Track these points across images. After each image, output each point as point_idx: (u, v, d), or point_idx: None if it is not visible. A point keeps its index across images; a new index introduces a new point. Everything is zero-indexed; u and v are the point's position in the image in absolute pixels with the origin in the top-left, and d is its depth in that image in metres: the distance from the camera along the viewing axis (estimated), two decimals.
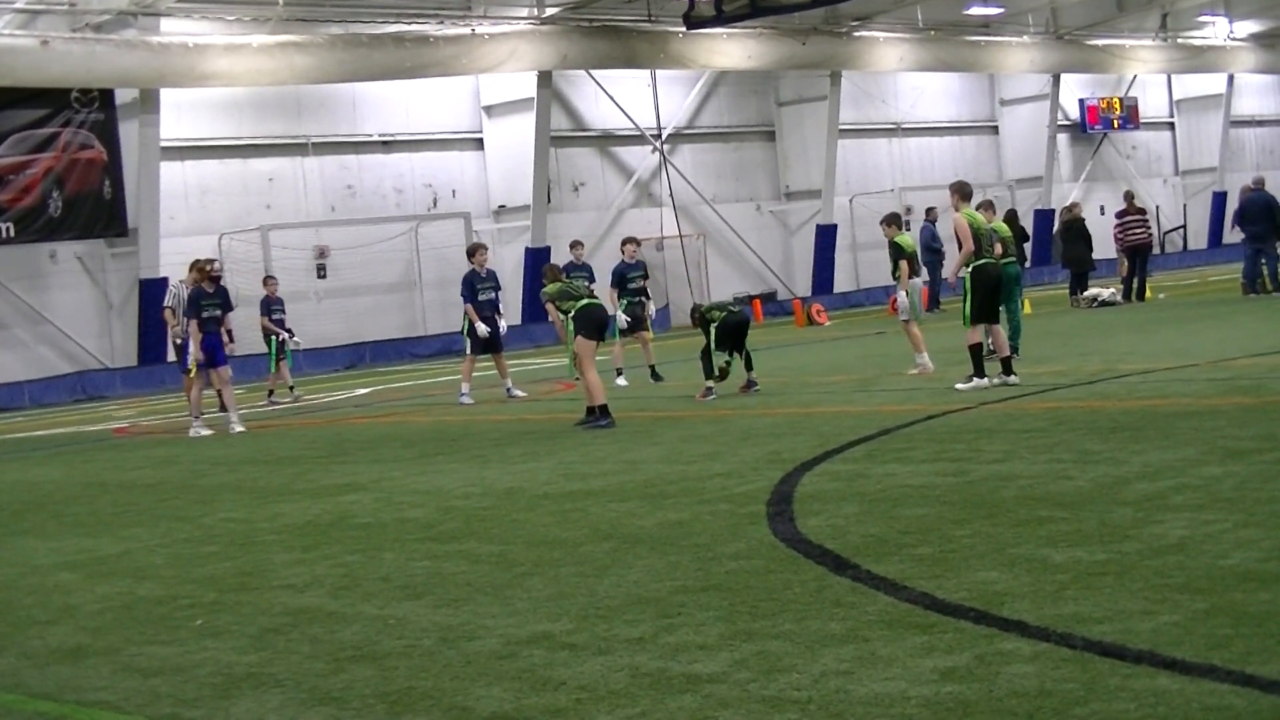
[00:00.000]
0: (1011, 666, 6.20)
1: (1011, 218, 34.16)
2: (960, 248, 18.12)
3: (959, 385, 17.69)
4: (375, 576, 9.65)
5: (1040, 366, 19.61)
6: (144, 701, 7.16)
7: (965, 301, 17.93)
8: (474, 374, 23.93)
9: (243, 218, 38.23)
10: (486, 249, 24.76)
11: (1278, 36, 60.18)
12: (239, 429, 21.88)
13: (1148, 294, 34.89)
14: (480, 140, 42.96)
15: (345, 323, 39.15)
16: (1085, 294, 34.82)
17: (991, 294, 18.02)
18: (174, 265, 35.20)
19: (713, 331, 19.95)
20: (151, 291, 35.43)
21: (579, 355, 18.40)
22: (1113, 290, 34.85)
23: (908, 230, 24.44)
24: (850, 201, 49.88)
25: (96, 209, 35.24)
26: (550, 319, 20.36)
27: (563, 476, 13.65)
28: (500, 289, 24.05)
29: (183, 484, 16.42)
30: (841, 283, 49.14)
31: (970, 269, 17.90)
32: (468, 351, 23.63)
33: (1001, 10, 49.48)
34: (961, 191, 18.54)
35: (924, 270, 25.44)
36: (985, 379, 17.61)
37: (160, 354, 35.81)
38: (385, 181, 41.33)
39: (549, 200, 42.48)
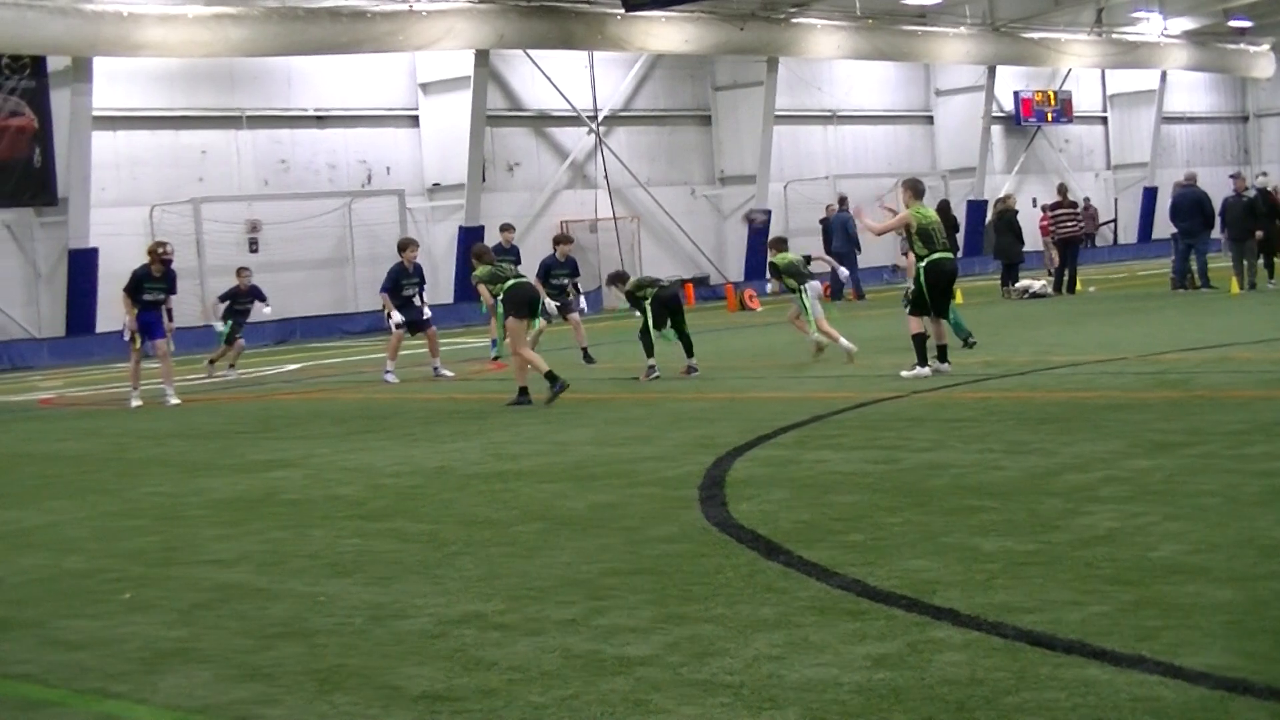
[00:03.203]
0: (943, 654, 6.23)
1: (944, 208, 34.34)
2: (907, 242, 18.21)
3: (904, 373, 17.69)
4: (304, 553, 9.60)
5: (971, 356, 19.70)
6: (69, 675, 7.09)
7: (916, 293, 17.90)
8: (402, 352, 23.78)
9: (174, 190, 37.90)
10: (418, 246, 24.51)
11: (1210, 34, 60.67)
12: (174, 401, 21.78)
13: (1078, 287, 35.13)
14: (415, 118, 42.75)
15: (276, 298, 38.56)
16: (1016, 285, 35.02)
17: (942, 290, 17.97)
18: (104, 235, 35.00)
19: (648, 309, 20.31)
20: (80, 262, 35.12)
21: (511, 335, 18.37)
22: (1043, 282, 35.08)
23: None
24: (784, 188, 49.95)
25: (26, 177, 34.88)
26: (484, 302, 20.33)
27: (492, 456, 13.62)
28: (424, 283, 23.98)
29: (109, 457, 16.29)
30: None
31: (924, 264, 17.79)
32: (394, 328, 23.43)
33: (939, 1, 49.65)
34: (914, 189, 18.36)
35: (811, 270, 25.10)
36: (928, 368, 17.65)
37: (89, 325, 35.52)
38: (319, 157, 41.06)
39: (483, 180, 42.34)
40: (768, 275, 22.99)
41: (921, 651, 6.30)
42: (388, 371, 23.11)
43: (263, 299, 27.10)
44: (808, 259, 22.56)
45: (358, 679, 6.62)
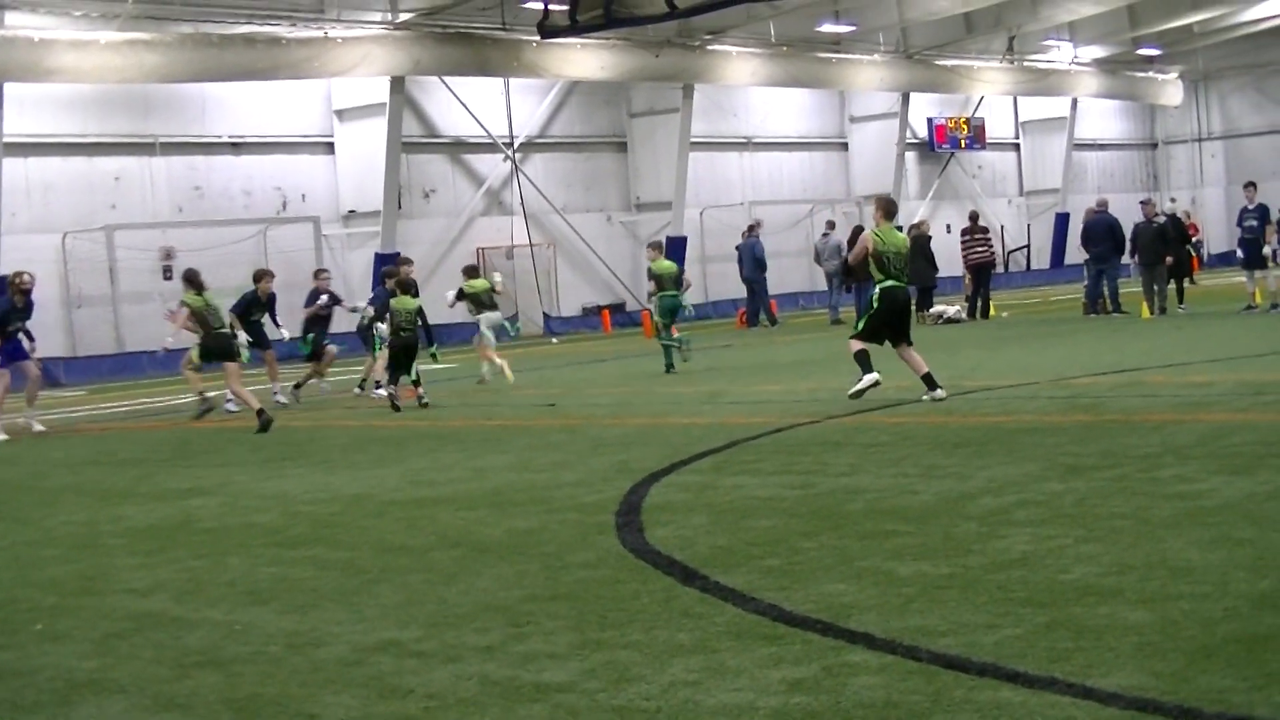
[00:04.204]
0: (859, 678, 6.27)
1: (858, 234, 34.49)
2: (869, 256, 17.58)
3: (851, 392, 17.36)
4: (221, 581, 9.55)
5: (886, 381, 19.77)
6: None
7: (864, 316, 17.70)
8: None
9: (87, 217, 37.58)
10: (273, 277, 25.30)
11: (1120, 62, 61.35)
12: (39, 429, 22.19)
13: (991, 312, 35.43)
14: (331, 144, 42.60)
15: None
16: (931, 311, 35.28)
17: (892, 318, 17.54)
18: (14, 263, 34.56)
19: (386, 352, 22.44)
20: None
21: (227, 375, 21.28)
22: (958, 308, 35.36)
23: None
24: (700, 214, 50.11)
25: None
26: (178, 323, 21.52)
27: (410, 483, 13.59)
28: (272, 307, 24.83)
29: (22, 485, 16.14)
30: (690, 294, 49.23)
31: (879, 289, 17.46)
32: (239, 349, 23.77)
33: (853, 28, 49.96)
34: (885, 209, 17.92)
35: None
36: (875, 374, 17.35)
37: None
38: (234, 183, 40.83)
39: (399, 206, 42.24)
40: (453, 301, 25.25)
41: (837, 675, 6.34)
42: (228, 400, 23.33)
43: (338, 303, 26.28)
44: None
45: (275, 708, 6.59)
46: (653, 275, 26.02)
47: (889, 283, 17.51)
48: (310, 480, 14.39)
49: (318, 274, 27.07)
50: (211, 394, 22.76)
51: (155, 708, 6.75)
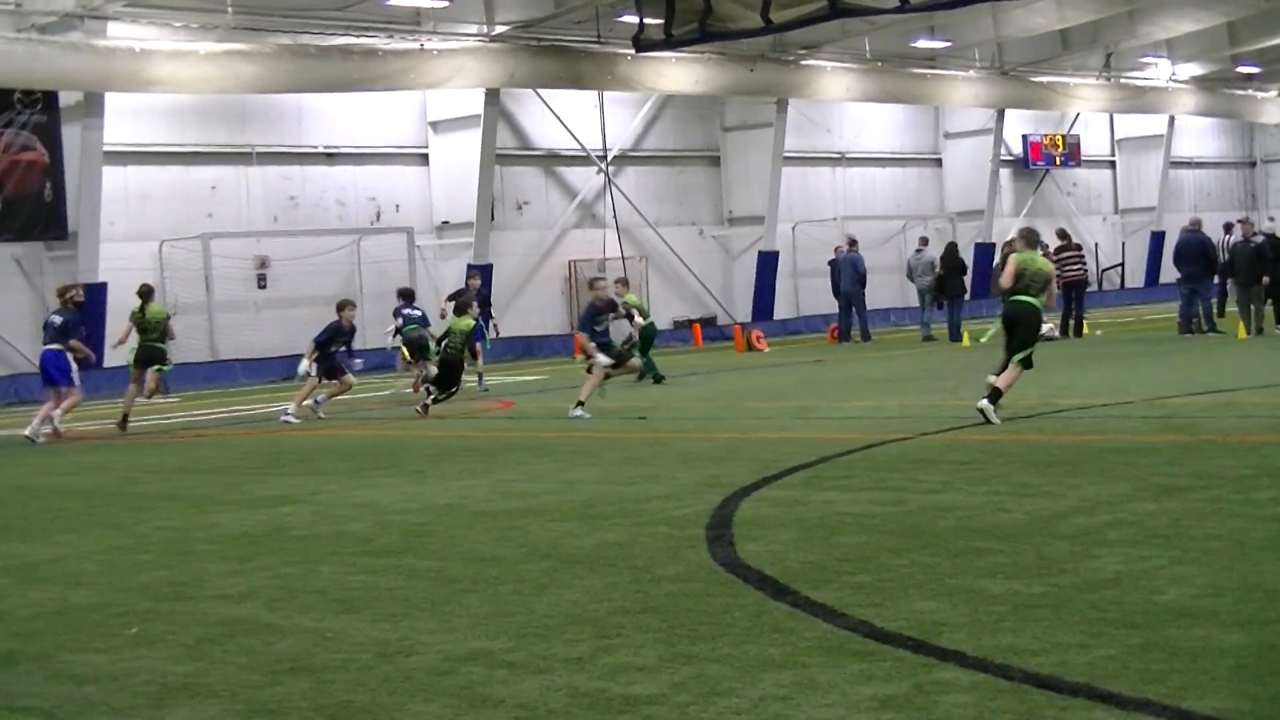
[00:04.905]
0: (950, 696, 6.23)
1: (951, 251, 34.40)
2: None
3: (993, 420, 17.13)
4: (312, 589, 9.61)
5: (978, 399, 19.65)
6: (76, 709, 7.10)
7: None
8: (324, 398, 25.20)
9: (183, 225, 37.98)
10: (354, 306, 26.20)
11: (1218, 80, 60.76)
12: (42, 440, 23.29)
13: (1085, 330, 35.15)
14: (425, 155, 42.85)
15: (284, 334, 38.83)
16: None
17: (1007, 329, 17.93)
18: (113, 270, 35.06)
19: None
20: (90, 296, 35.11)
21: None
22: (1051, 325, 35.06)
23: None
24: (793, 229, 50.03)
25: (36, 211, 34.96)
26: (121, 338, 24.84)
27: (500, 494, 13.64)
28: (352, 338, 25.56)
29: (116, 491, 16.31)
30: (782, 309, 49.20)
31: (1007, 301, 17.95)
32: (308, 374, 24.81)
33: (948, 44, 49.76)
34: (1027, 238, 18.55)
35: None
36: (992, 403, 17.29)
37: (97, 359, 35.50)
38: (328, 193, 41.14)
39: (492, 218, 42.42)
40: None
41: (929, 693, 6.31)
42: (288, 413, 24.06)
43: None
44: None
45: (365, 715, 6.63)
46: (629, 308, 25.58)
47: (1011, 296, 17.83)
48: (400, 490, 14.46)
49: (593, 283, 24.37)
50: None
51: (247, 713, 6.80)
